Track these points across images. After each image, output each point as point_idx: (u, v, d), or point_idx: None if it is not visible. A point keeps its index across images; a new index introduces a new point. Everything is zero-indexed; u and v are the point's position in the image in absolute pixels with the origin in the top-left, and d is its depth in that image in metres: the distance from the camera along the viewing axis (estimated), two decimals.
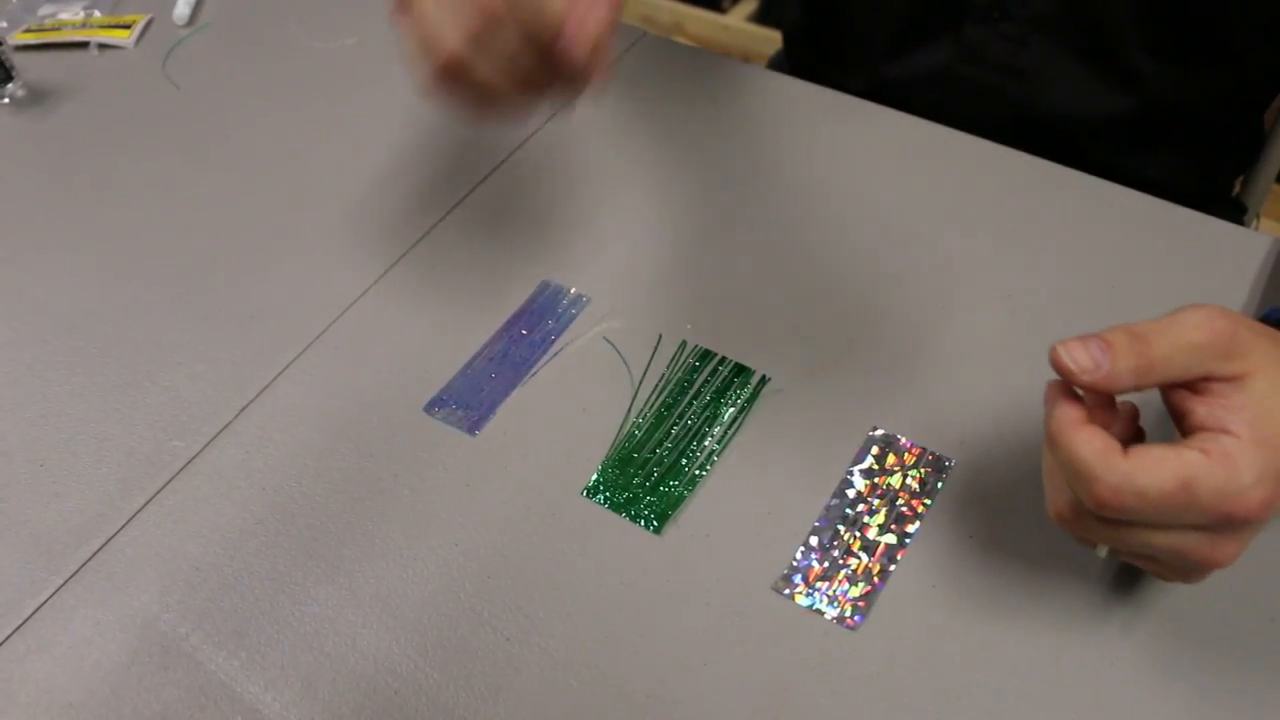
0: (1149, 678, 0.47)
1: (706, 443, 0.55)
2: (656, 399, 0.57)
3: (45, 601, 0.53)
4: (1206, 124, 0.80)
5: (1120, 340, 0.40)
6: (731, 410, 0.57)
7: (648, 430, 0.56)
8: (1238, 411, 0.39)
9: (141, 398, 0.60)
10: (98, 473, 0.57)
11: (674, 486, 0.54)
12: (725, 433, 0.56)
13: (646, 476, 0.54)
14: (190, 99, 0.80)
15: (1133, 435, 0.44)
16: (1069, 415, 0.41)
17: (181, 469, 0.57)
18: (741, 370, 0.58)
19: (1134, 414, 0.44)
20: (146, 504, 0.56)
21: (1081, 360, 0.41)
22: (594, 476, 0.55)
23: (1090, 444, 0.40)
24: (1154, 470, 0.39)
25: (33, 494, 0.57)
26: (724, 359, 0.59)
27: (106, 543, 0.54)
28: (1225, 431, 0.39)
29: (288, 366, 0.61)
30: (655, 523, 0.53)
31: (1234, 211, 0.87)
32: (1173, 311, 0.41)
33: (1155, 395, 0.43)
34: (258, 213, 0.70)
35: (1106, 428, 0.42)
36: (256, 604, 0.52)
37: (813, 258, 0.64)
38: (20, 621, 0.52)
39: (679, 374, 0.58)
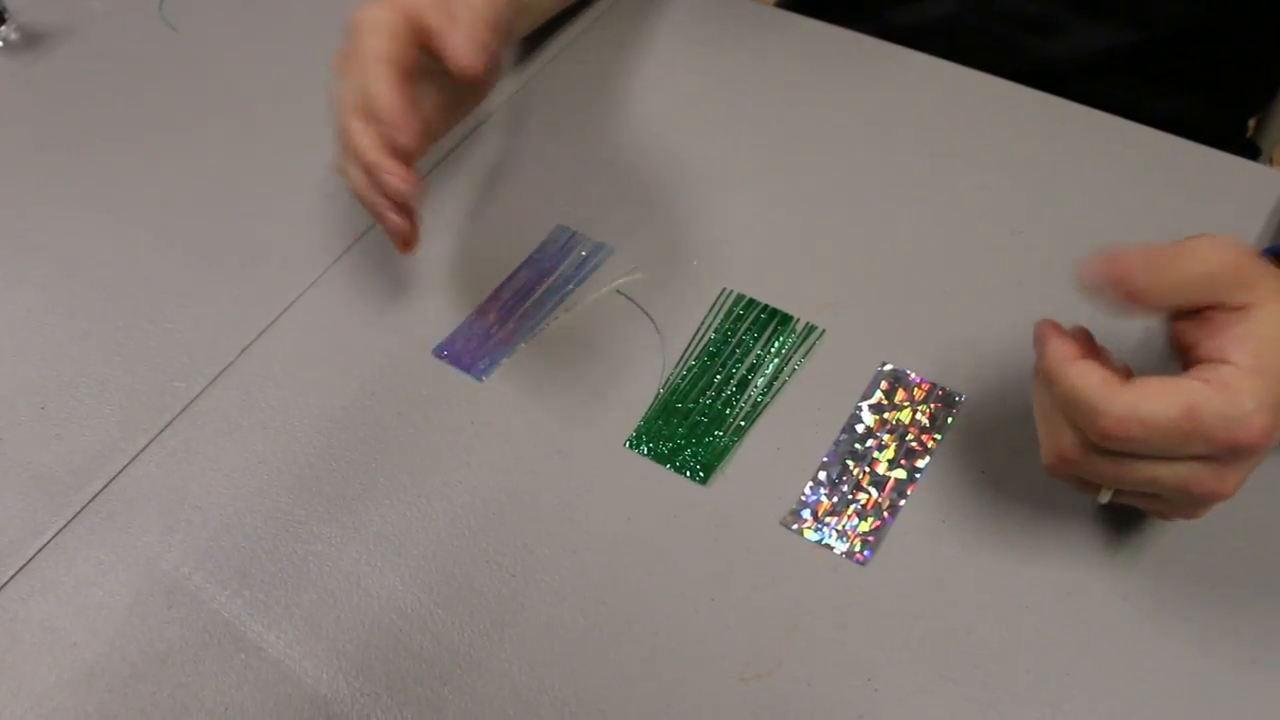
0: (1157, 612, 0.46)
1: (750, 392, 0.54)
2: (695, 349, 0.56)
3: (48, 543, 0.52)
4: (1220, 61, 0.78)
5: (1138, 259, 0.40)
6: (776, 361, 0.55)
7: (690, 380, 0.55)
8: (1239, 342, 0.39)
9: (143, 340, 0.60)
10: (99, 414, 0.57)
11: (718, 437, 0.53)
12: (770, 384, 0.55)
13: (691, 428, 0.53)
14: (187, 41, 0.79)
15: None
16: (1063, 350, 0.41)
17: (183, 409, 0.57)
18: (785, 319, 0.57)
19: (1125, 370, 0.43)
20: (148, 445, 0.55)
21: (1111, 273, 0.40)
22: (638, 423, 0.54)
23: (1089, 376, 0.40)
24: (1158, 398, 0.39)
25: (34, 436, 0.56)
26: (766, 307, 0.57)
27: (108, 484, 0.54)
28: (1225, 361, 0.39)
29: (289, 307, 0.60)
30: (701, 474, 0.52)
31: (1248, 153, 0.85)
32: (1183, 240, 0.41)
33: (1138, 348, 0.43)
34: (257, 154, 0.69)
35: None
36: (259, 543, 0.51)
37: (822, 194, 0.63)
38: (23, 563, 0.52)
39: (718, 320, 0.57)
